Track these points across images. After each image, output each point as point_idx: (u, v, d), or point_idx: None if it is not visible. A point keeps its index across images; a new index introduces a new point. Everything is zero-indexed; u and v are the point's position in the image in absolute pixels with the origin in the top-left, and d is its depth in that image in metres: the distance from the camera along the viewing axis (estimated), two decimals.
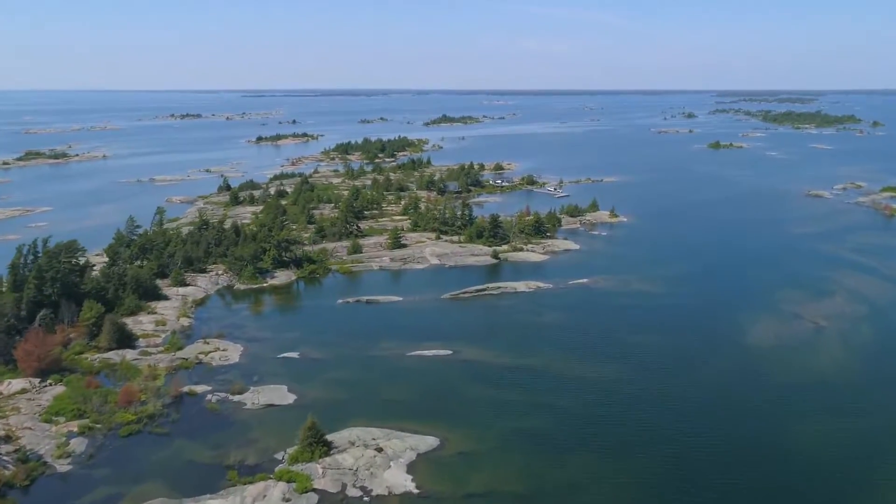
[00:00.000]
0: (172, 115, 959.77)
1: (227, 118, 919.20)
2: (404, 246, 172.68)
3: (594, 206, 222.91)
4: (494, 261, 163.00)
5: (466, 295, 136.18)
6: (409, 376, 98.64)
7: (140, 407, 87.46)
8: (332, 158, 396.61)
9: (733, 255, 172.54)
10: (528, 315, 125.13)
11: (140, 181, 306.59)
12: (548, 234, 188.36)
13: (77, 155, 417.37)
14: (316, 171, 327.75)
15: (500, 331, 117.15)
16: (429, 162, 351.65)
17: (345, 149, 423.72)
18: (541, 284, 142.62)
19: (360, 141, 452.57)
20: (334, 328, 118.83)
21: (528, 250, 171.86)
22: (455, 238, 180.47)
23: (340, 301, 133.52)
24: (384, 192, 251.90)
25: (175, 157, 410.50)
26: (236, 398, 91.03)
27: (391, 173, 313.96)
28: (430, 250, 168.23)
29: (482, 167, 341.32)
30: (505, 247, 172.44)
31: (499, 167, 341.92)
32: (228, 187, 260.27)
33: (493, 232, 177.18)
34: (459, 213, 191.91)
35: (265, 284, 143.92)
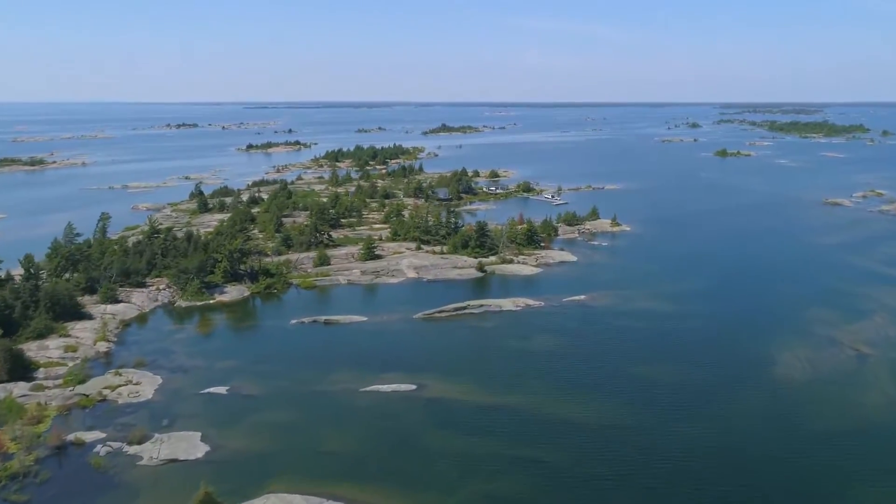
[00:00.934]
0: (168, 125, 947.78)
1: (223, 127, 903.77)
2: (379, 257, 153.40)
3: (594, 214, 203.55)
4: (480, 274, 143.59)
5: (442, 315, 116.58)
6: (358, 420, 78.95)
7: (4, 462, 67.94)
8: (321, 166, 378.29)
9: (752, 268, 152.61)
10: (512, 339, 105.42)
11: (112, 188, 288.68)
12: (542, 244, 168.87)
13: (55, 162, 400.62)
14: (300, 178, 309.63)
15: (477, 360, 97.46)
16: (420, 169, 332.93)
17: (335, 156, 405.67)
18: (531, 302, 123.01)
19: (351, 149, 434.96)
20: (280, 355, 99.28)
21: (518, 262, 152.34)
22: (437, 248, 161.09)
23: (295, 321, 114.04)
24: (367, 200, 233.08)
25: (158, 165, 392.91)
26: (133, 449, 71.45)
27: (379, 180, 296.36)
28: (407, 262, 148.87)
29: (477, 174, 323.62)
30: (492, 258, 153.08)
31: (494, 174, 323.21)
32: (201, 194, 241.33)
33: (480, 242, 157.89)
34: (445, 220, 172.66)
35: (212, 301, 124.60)
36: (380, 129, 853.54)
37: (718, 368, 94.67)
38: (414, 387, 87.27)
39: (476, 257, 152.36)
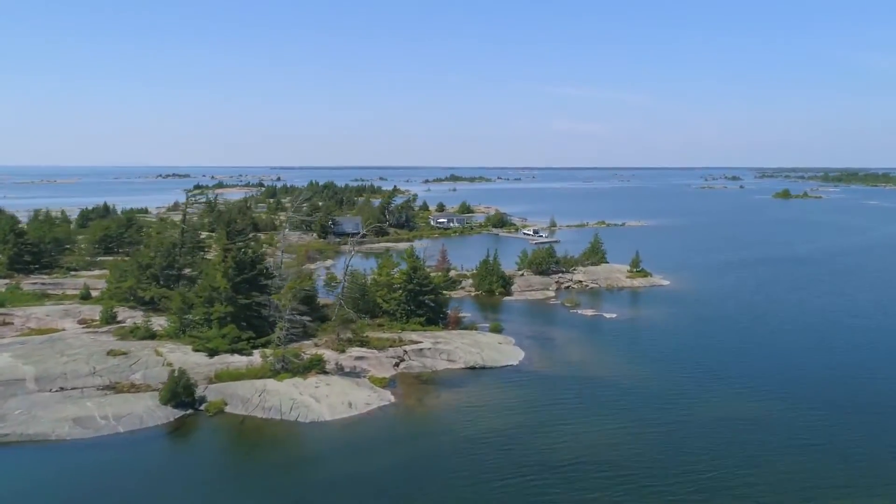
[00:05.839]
0: (159, 176, 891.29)
1: (213, 177, 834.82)
2: None
3: (595, 254, 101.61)
4: (173, 416, 42.08)
5: None
6: None
7: None
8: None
9: None
10: None
11: None
12: (450, 313, 67.44)
13: None
14: (173, 208, 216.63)
15: None
16: (367, 202, 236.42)
17: (272, 191, 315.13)
18: None
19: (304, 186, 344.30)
20: None
21: (331, 373, 50.46)
22: (143, 322, 60.29)
23: None
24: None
25: (50, 200, 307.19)
26: None
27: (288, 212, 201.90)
28: None
29: (441, 208, 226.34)
30: (259, 357, 51.50)
31: (465, 209, 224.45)
32: None
33: (247, 315, 56.41)
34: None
35: None
36: (381, 178, 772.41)
37: None
38: None
39: (225, 349, 51.54)
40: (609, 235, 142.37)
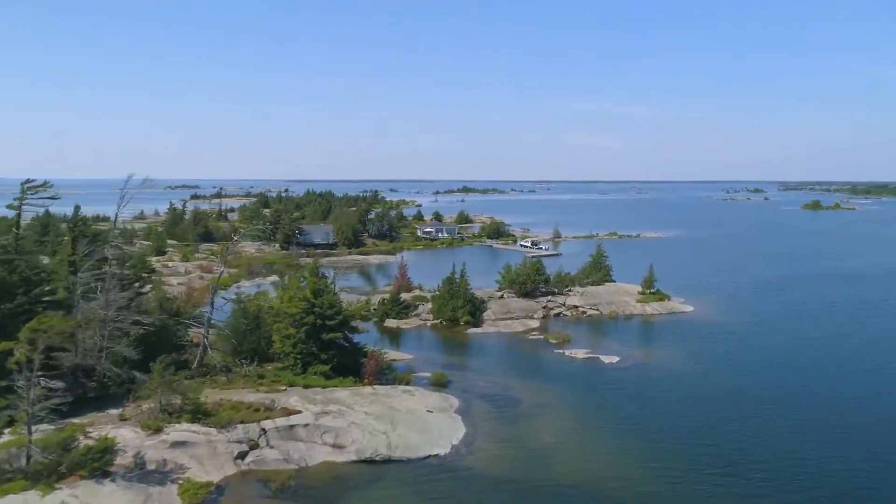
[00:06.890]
0: (167, 187, 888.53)
1: (220, 189, 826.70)
2: None
3: (597, 271, 79.75)
4: None
5: None
6: None
7: None
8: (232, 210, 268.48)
9: None
10: None
11: None
12: (370, 367, 46.34)
13: None
14: (139, 217, 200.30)
15: None
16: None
17: (264, 201, 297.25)
18: None
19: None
20: None
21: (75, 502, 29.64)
22: None
23: None
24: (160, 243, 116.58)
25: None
26: None
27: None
28: None
29: (437, 218, 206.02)
30: None
31: (463, 219, 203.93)
32: None
33: None
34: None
35: None
36: (391, 190, 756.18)
37: None
38: None
39: None
40: (620, 248, 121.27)
